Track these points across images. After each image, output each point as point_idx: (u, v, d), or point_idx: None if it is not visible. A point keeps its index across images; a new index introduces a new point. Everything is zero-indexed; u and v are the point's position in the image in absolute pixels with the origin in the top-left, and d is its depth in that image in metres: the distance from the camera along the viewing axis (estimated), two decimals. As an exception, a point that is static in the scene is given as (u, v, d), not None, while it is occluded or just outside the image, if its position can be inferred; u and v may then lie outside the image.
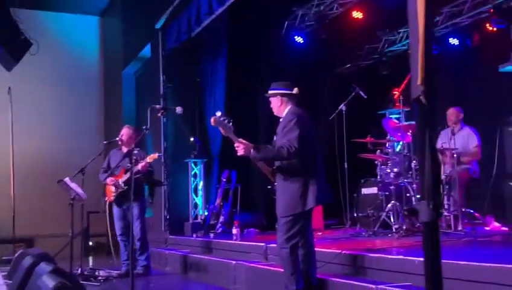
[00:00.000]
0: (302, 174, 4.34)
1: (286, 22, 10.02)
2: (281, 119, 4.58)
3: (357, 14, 9.50)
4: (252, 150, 4.32)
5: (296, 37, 10.23)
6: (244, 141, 4.36)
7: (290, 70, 9.24)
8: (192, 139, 9.52)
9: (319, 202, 4.47)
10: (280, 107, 4.59)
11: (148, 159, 6.46)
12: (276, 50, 9.95)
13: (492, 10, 7.95)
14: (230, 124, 4.40)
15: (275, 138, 4.56)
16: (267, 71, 9.45)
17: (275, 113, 4.67)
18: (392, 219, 6.48)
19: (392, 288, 3.83)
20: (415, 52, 1.01)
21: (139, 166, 6.46)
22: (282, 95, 4.57)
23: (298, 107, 4.58)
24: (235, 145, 4.38)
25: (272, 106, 4.67)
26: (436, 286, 1.09)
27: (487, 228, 6.57)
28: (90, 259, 9.71)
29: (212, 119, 4.38)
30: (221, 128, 4.39)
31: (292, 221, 4.33)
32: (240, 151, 4.35)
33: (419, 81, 0.99)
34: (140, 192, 6.94)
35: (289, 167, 4.37)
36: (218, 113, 4.41)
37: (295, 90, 4.59)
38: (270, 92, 4.65)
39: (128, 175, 6.48)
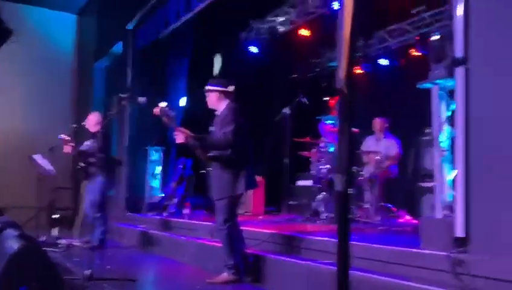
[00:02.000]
0: (234, 163, 4.36)
1: (243, 33, 10.05)
2: (217, 112, 4.57)
3: (304, 32, 9.62)
4: (190, 139, 4.33)
5: (250, 46, 10.27)
6: (183, 130, 4.36)
7: (244, 75, 9.27)
8: (154, 128, 9.39)
9: (248, 188, 4.52)
10: (217, 101, 4.56)
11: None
12: (234, 56, 9.96)
13: (417, 37, 8.22)
14: (173, 113, 4.38)
15: (212, 128, 4.57)
16: (225, 74, 9.44)
17: (209, 106, 4.63)
18: (322, 208, 6.63)
19: (317, 264, 3.93)
20: (341, 52, 1.07)
21: (67, 148, 6.24)
22: (220, 91, 4.59)
23: (234, 103, 4.57)
24: (175, 133, 4.37)
25: (208, 99, 4.62)
26: (344, 245, 1.15)
27: (400, 220, 6.81)
28: (55, 230, 9.46)
29: (157, 109, 4.33)
30: (165, 117, 4.35)
31: (227, 204, 4.36)
32: (179, 139, 4.35)
33: (342, 75, 1.04)
34: (100, 169, 6.55)
35: (223, 156, 4.38)
36: (164, 104, 4.37)
37: (231, 88, 4.61)
38: (208, 87, 4.61)
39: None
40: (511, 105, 3.01)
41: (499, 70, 3.10)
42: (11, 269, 3.42)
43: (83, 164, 6.53)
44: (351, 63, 1.04)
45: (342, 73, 1.04)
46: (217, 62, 9.81)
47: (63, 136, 6.44)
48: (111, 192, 8.14)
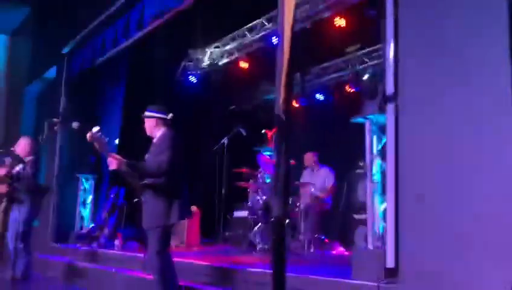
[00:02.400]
0: (167, 192, 4.28)
1: (182, 63, 10.07)
2: (154, 140, 4.50)
3: (243, 64, 9.78)
4: (123, 166, 4.23)
5: (190, 76, 10.30)
6: (117, 156, 4.26)
7: (183, 104, 9.24)
8: (86, 156, 9.09)
9: (181, 218, 4.44)
10: (154, 128, 4.49)
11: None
12: (172, 86, 9.94)
13: (351, 75, 8.59)
14: (107, 139, 4.28)
15: (146, 156, 4.49)
16: (162, 103, 9.35)
17: (148, 133, 4.56)
18: (257, 239, 6.62)
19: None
20: (279, 82, 1.09)
21: (1, 171, 5.95)
22: (158, 118, 4.54)
23: (171, 131, 4.51)
24: (108, 160, 4.26)
25: (145, 126, 4.55)
26: (280, 270, 1.15)
27: (334, 252, 6.93)
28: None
29: (88, 134, 4.20)
30: (97, 143, 4.23)
31: (160, 233, 4.26)
32: (112, 166, 4.23)
33: (280, 102, 1.07)
34: (27, 196, 6.14)
35: (156, 184, 4.29)
36: (96, 129, 4.24)
37: (169, 116, 4.59)
38: (147, 113, 4.55)
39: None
40: (437, 140, 3.18)
41: (426, 106, 3.28)
42: None
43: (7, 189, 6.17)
44: (289, 92, 1.07)
45: (280, 101, 1.06)
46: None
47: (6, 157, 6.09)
48: (35, 222, 7.73)
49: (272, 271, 1.20)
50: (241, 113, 11.08)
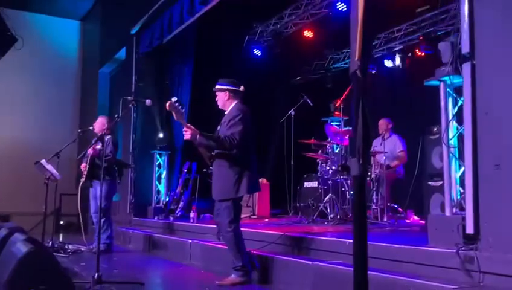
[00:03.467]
0: (237, 165, 4.34)
1: (247, 36, 10.09)
2: (226, 112, 4.55)
3: (308, 34, 9.65)
4: (197, 136, 4.32)
5: (255, 49, 10.31)
6: (192, 127, 4.36)
7: (248, 78, 9.22)
8: (159, 133, 9.42)
9: (249, 192, 4.51)
10: (226, 101, 4.54)
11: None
12: (237, 59, 10.00)
13: (421, 37, 8.23)
14: (183, 110, 4.39)
15: (218, 127, 4.56)
16: (229, 77, 9.46)
17: (220, 107, 4.60)
18: (328, 209, 6.62)
19: (325, 264, 3.92)
20: (354, 34, 1.07)
21: (89, 150, 6.26)
22: (230, 90, 4.58)
23: (243, 104, 4.55)
24: (183, 129, 4.36)
25: (217, 99, 4.59)
26: (362, 231, 1.15)
27: (408, 221, 6.79)
28: (61, 236, 9.48)
29: (168, 103, 4.31)
30: (175, 112, 4.35)
31: (231, 206, 4.35)
32: (187, 136, 4.34)
33: (356, 57, 1.05)
34: (106, 173, 6.37)
35: (227, 156, 4.36)
36: (174, 99, 4.36)
37: (241, 88, 4.62)
38: (218, 86, 4.58)
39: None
40: (518, 100, 3.00)
41: (505, 65, 3.09)
42: (19, 272, 3.44)
43: (87, 167, 6.56)
44: (365, 45, 1.04)
45: (355, 55, 1.04)
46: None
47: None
48: (116, 197, 8.16)
49: (352, 232, 1.20)
50: (307, 84, 11.02)
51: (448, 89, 3.64)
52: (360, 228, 1.14)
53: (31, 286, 3.35)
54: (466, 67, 3.31)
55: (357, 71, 1.04)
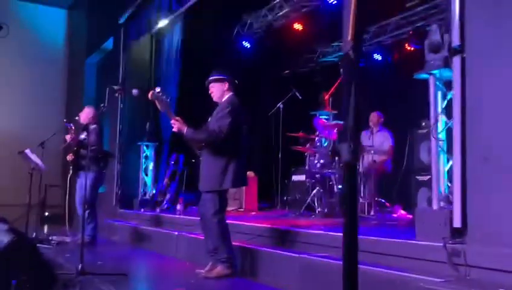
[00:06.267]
0: (225, 157, 4.31)
1: (236, 28, 10.02)
2: (219, 104, 4.49)
3: (297, 26, 9.60)
4: (185, 129, 4.29)
5: (244, 42, 10.25)
6: (179, 119, 4.32)
7: (237, 70, 9.18)
8: (146, 124, 9.34)
9: (234, 185, 4.48)
10: (224, 92, 4.50)
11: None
12: (226, 52, 9.91)
13: (411, 32, 8.23)
14: (168, 100, 4.34)
15: (209, 119, 4.52)
16: (218, 68, 9.39)
17: (215, 99, 4.52)
18: (316, 203, 6.61)
19: (312, 257, 3.91)
20: (347, 13, 1.04)
21: (67, 137, 6.17)
22: (230, 81, 4.52)
23: (236, 97, 4.51)
24: (171, 122, 4.33)
25: (213, 90, 4.51)
26: (353, 220, 1.12)
27: (395, 215, 6.82)
28: (46, 227, 9.38)
29: (150, 93, 4.27)
30: (158, 102, 4.30)
31: (216, 197, 4.33)
32: (175, 128, 4.31)
33: (349, 38, 1.02)
34: (92, 163, 6.35)
35: (215, 148, 4.33)
36: (157, 89, 4.32)
37: (236, 81, 4.58)
38: (217, 77, 4.51)
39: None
40: (507, 93, 3.00)
41: (496, 59, 3.09)
42: (1, 263, 3.38)
43: (73, 157, 6.47)
44: (358, 24, 1.01)
45: (348, 36, 1.01)
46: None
47: (71, 124, 6.38)
48: (102, 188, 8.06)
49: (343, 222, 1.17)
50: (296, 77, 10.98)
51: (437, 83, 3.63)
52: (351, 216, 1.11)
53: (13, 277, 3.29)
54: (456, 61, 3.30)
55: (350, 52, 1.01)
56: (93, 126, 6.31)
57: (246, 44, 10.26)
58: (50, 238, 6.73)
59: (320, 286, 3.64)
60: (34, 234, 6.64)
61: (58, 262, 5.08)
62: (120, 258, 5.94)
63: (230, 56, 9.92)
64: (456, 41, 3.33)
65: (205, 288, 4.02)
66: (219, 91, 4.50)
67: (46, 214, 11.13)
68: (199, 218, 4.58)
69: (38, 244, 5.70)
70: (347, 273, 1.15)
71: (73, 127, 5.98)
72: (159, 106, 4.32)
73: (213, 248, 4.39)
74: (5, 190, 10.68)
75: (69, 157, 6.60)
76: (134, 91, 4.95)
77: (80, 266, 4.08)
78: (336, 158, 6.77)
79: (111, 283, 3.94)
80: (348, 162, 1.04)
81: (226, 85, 4.49)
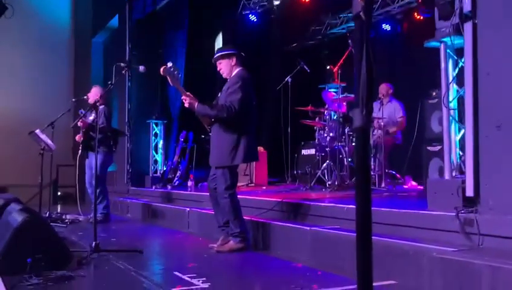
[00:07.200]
0: (235, 132, 4.29)
1: (242, 2, 9.88)
2: (229, 79, 4.45)
3: (304, -2, 9.45)
4: (196, 104, 4.27)
5: (250, 15, 10.12)
6: (190, 95, 4.30)
7: (243, 45, 9.11)
8: (155, 101, 9.33)
9: (245, 161, 4.47)
10: (233, 67, 4.45)
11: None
12: (232, 26, 9.81)
13: (419, 0, 8.04)
14: (179, 75, 4.31)
15: (219, 94, 4.48)
16: (225, 43, 9.30)
17: (225, 76, 4.48)
18: (326, 176, 6.60)
19: (323, 229, 3.92)
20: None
21: (79, 122, 6.15)
22: (237, 56, 4.47)
23: (245, 71, 4.46)
24: (182, 97, 4.31)
25: (221, 67, 4.46)
26: (365, 187, 1.10)
27: (405, 186, 6.80)
28: (59, 206, 9.49)
29: (162, 68, 4.23)
30: (170, 78, 4.27)
31: (227, 173, 4.32)
32: (187, 104, 4.29)
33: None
34: (101, 144, 6.34)
35: (226, 123, 4.30)
36: (169, 64, 4.28)
37: (243, 54, 4.53)
38: (223, 53, 4.46)
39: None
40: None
41: (507, 25, 3.00)
42: (15, 242, 3.42)
43: (82, 137, 6.50)
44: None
45: (358, -1, 0.97)
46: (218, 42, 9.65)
47: (82, 110, 6.36)
48: (113, 167, 8.10)
49: (355, 189, 1.14)
50: (304, 50, 10.85)
51: (448, 50, 3.56)
52: (363, 184, 1.09)
53: (28, 255, 3.33)
54: (467, 27, 3.22)
55: (361, 13, 0.97)
56: (101, 107, 6.30)
57: (253, 17, 10.13)
58: (63, 217, 6.81)
59: (332, 258, 3.65)
60: (48, 213, 6.71)
61: (72, 240, 5.14)
62: (134, 235, 6.00)
63: (237, 30, 9.82)
64: (467, 6, 3.24)
65: (219, 262, 4.05)
66: (227, 67, 4.46)
67: (59, 193, 11.26)
68: (208, 193, 4.60)
69: (51, 223, 5.78)
70: (361, 239, 1.13)
71: (84, 113, 5.96)
72: (170, 82, 4.29)
73: (224, 222, 4.42)
74: (18, 171, 10.78)
75: (78, 137, 6.62)
76: (141, 68, 4.91)
77: (94, 243, 4.11)
78: (347, 127, 6.72)
79: (125, 260, 3.98)
80: (360, 127, 1.01)
81: (234, 60, 4.44)
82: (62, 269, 3.45)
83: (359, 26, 1.01)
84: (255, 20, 10.14)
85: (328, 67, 7.80)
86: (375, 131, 6.85)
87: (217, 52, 4.52)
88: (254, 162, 8.11)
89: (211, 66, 4.66)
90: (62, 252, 3.66)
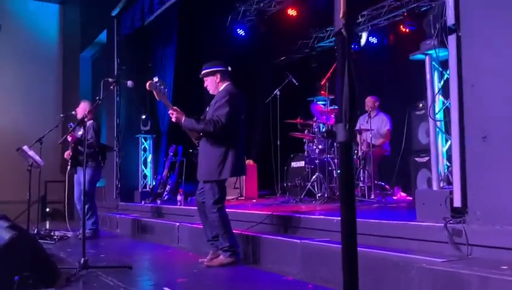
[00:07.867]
0: (223, 147, 4.29)
1: (230, 16, 9.94)
2: (216, 94, 4.45)
3: (291, 12, 9.54)
4: (183, 119, 4.27)
5: (238, 29, 10.18)
6: (177, 109, 4.30)
7: (232, 59, 9.13)
8: (143, 116, 9.31)
9: (233, 175, 4.44)
10: (218, 84, 4.47)
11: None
12: (221, 40, 9.85)
13: (405, 13, 8.17)
14: (166, 90, 4.31)
15: (207, 109, 4.49)
16: (212, 59, 9.32)
17: (211, 92, 4.51)
18: (316, 188, 6.61)
19: (313, 242, 3.91)
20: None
21: (68, 137, 6.12)
22: (220, 72, 4.48)
23: (233, 86, 4.48)
24: (169, 111, 4.31)
25: (207, 84, 4.50)
26: (350, 200, 1.10)
27: (395, 197, 6.82)
28: (47, 223, 9.38)
29: (148, 83, 4.24)
30: (156, 92, 4.27)
31: (215, 186, 4.32)
32: (173, 118, 4.29)
33: (341, 15, 0.99)
34: (90, 159, 6.32)
35: (213, 137, 4.31)
36: (155, 79, 4.29)
37: (229, 68, 4.54)
38: (207, 71, 4.49)
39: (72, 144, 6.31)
40: (505, 73, 2.97)
41: (492, 37, 3.06)
42: (3, 259, 3.37)
43: (71, 154, 6.46)
44: (350, 3, 0.99)
45: (339, 13, 0.99)
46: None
47: (71, 124, 6.33)
48: (101, 182, 8.04)
49: (340, 202, 1.15)
50: (292, 63, 10.92)
51: (433, 63, 3.61)
52: (348, 198, 1.10)
53: (15, 273, 3.29)
54: (451, 40, 3.26)
55: (342, 30, 0.99)
56: (89, 122, 6.28)
57: (241, 32, 10.19)
58: (52, 233, 6.73)
59: (323, 271, 3.65)
60: (36, 229, 6.63)
61: (61, 257, 5.08)
62: (123, 250, 5.94)
63: (226, 44, 9.87)
64: (450, 20, 3.29)
65: (208, 277, 4.02)
66: (212, 84, 4.49)
67: (48, 210, 11.15)
68: (196, 207, 4.58)
69: (39, 240, 5.71)
70: (346, 253, 1.13)
71: (73, 127, 5.93)
72: (156, 96, 4.28)
73: (212, 236, 4.40)
74: (5, 187, 10.67)
75: (67, 154, 6.58)
76: (129, 83, 4.91)
77: (82, 260, 4.07)
78: (330, 140, 6.79)
79: (114, 276, 3.94)
80: (344, 141, 1.02)
81: (218, 76, 4.46)
82: (50, 286, 3.41)
83: (341, 42, 1.03)
84: (243, 34, 10.20)
85: (318, 80, 7.85)
86: (364, 143, 6.89)
87: (203, 69, 4.55)
88: (244, 176, 8.11)
89: (200, 80, 4.67)
90: (50, 269, 3.62)
